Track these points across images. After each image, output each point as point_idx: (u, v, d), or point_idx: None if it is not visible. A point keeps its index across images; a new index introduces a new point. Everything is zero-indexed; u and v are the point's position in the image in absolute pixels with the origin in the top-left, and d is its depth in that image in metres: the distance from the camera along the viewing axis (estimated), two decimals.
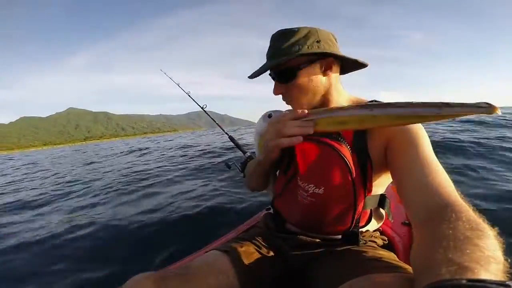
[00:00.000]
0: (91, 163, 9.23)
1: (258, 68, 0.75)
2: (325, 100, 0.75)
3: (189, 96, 1.60)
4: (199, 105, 1.57)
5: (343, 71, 0.79)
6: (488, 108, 0.39)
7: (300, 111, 0.63)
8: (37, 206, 3.69)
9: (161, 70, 1.75)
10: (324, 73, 0.72)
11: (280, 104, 0.81)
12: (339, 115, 0.56)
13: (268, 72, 0.77)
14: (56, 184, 5.36)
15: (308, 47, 0.68)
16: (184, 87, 1.64)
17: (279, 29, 0.73)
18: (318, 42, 0.69)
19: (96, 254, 1.92)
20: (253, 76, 0.77)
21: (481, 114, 0.40)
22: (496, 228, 0.40)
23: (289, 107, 0.78)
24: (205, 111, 1.57)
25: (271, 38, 0.74)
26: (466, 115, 0.43)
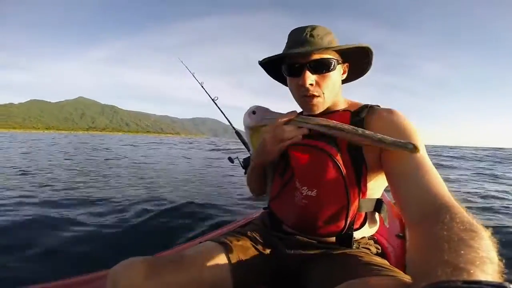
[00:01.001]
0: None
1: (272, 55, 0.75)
2: (335, 102, 0.78)
3: (202, 86, 1.61)
4: (210, 96, 1.58)
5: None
6: (412, 148, 0.55)
7: (290, 114, 0.74)
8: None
9: (178, 58, 1.79)
10: (342, 75, 0.77)
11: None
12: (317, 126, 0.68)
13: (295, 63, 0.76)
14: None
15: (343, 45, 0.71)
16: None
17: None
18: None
19: (83, 237, 1.87)
20: (268, 60, 0.76)
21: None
22: (490, 229, 0.40)
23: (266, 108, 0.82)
24: (215, 103, 1.58)
25: (299, 29, 0.74)
26: (396, 149, 0.57)
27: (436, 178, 0.54)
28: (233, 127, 1.59)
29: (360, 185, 0.67)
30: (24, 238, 1.81)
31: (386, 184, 0.70)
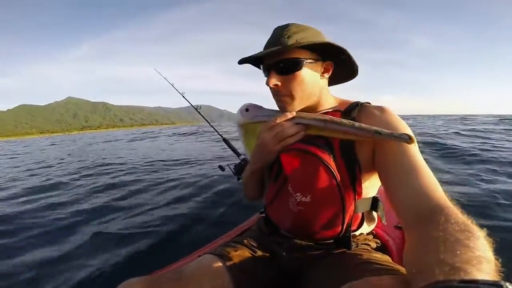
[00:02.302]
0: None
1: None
2: (314, 104, 0.76)
3: (183, 97, 1.57)
4: (193, 106, 1.54)
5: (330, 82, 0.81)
6: (408, 139, 0.56)
7: (289, 113, 0.71)
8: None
9: (155, 69, 1.71)
10: (322, 75, 0.74)
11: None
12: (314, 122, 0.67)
13: (261, 66, 0.75)
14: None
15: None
16: (181, 84, 1.66)
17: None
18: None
19: (84, 256, 1.87)
20: (244, 61, 0.74)
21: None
22: (485, 229, 0.41)
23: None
24: (199, 112, 1.55)
25: (277, 28, 0.72)
26: (392, 140, 0.59)
27: (430, 180, 0.55)
28: (220, 135, 1.56)
29: (355, 187, 0.67)
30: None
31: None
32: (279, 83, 0.71)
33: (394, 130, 0.63)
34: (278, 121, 0.70)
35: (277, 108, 0.79)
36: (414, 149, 0.61)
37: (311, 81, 0.71)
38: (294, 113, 0.71)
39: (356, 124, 0.62)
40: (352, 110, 0.71)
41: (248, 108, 0.84)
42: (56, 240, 2.08)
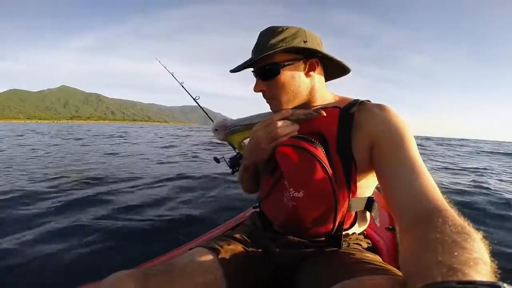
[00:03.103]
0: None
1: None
2: (307, 101, 0.76)
3: (182, 86, 1.56)
4: (191, 96, 1.53)
5: (327, 78, 0.80)
6: (319, 113, 0.68)
7: (285, 111, 0.72)
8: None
9: (156, 58, 1.72)
10: (307, 74, 0.73)
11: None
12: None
13: (252, 70, 0.76)
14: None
15: (294, 45, 0.69)
16: (178, 78, 1.61)
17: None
18: (305, 42, 0.70)
19: (71, 248, 1.79)
20: (236, 70, 0.76)
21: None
22: (481, 232, 0.41)
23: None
24: (197, 103, 1.53)
25: (259, 34, 0.74)
26: (308, 118, 0.70)
27: (428, 181, 0.54)
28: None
29: (350, 185, 0.66)
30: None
31: (377, 182, 0.70)
32: (264, 89, 0.75)
33: (392, 126, 0.64)
34: (273, 119, 0.71)
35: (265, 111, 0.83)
36: (413, 149, 0.60)
37: (294, 82, 0.72)
38: (290, 111, 0.71)
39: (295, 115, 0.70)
40: (352, 107, 0.70)
41: (216, 129, 0.95)
42: (41, 232, 1.99)
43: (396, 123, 0.65)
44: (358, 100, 0.73)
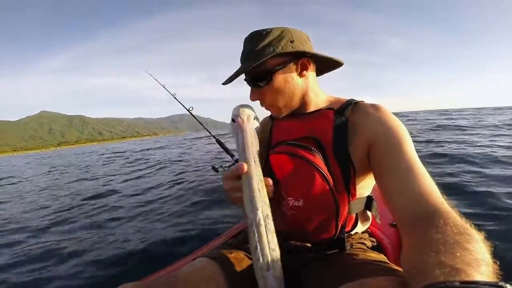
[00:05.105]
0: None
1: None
2: (303, 102, 0.75)
3: (175, 98, 1.54)
4: (185, 107, 1.52)
5: (319, 72, 0.79)
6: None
7: (243, 164, 0.59)
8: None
9: (146, 71, 1.68)
10: (300, 74, 0.72)
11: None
12: None
13: (244, 77, 0.75)
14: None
15: (282, 48, 0.67)
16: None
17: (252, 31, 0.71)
18: (292, 42, 0.68)
19: (76, 263, 1.81)
20: (227, 82, 0.74)
21: None
22: (483, 233, 0.41)
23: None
24: (191, 113, 1.53)
25: (244, 41, 0.73)
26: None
27: (428, 182, 0.54)
28: (213, 136, 1.56)
29: (349, 188, 0.65)
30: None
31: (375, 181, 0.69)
32: (260, 97, 0.73)
33: (388, 128, 0.63)
34: (230, 174, 0.63)
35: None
36: (411, 150, 0.59)
37: (289, 85, 0.71)
38: (244, 167, 0.59)
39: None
40: (346, 109, 0.69)
41: (233, 119, 0.72)
42: (48, 248, 2.00)
43: (390, 121, 0.64)
44: (352, 100, 0.73)
